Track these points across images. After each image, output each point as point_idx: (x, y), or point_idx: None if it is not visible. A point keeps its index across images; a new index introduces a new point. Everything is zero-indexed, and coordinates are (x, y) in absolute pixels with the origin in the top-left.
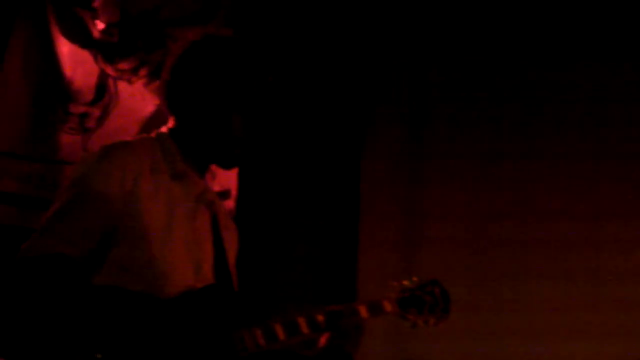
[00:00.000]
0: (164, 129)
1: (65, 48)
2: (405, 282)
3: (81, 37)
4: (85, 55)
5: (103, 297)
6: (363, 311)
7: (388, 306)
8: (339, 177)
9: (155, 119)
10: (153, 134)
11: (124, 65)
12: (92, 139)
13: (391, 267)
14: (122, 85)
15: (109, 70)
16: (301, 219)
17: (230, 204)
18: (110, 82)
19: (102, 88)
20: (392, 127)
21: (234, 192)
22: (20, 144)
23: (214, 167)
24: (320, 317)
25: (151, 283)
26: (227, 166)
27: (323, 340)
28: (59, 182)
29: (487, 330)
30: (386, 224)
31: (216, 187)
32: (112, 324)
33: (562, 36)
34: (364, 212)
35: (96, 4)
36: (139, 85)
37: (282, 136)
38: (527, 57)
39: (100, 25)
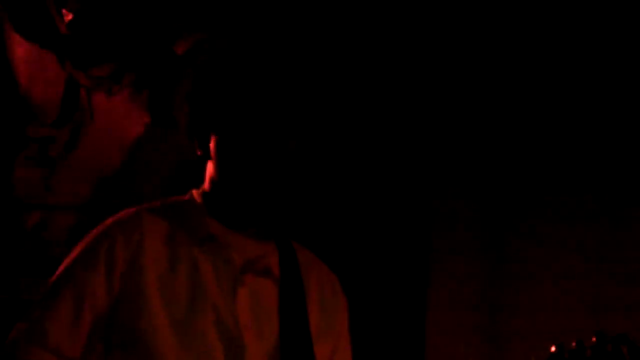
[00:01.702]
0: (201, 189)
1: (20, 49)
2: (561, 346)
3: (42, 34)
4: (47, 58)
5: None
6: None
7: None
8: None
9: (145, 144)
10: (185, 197)
11: (100, 71)
12: (58, 172)
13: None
14: (99, 99)
15: (81, 78)
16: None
17: None
18: (82, 94)
19: (70, 103)
20: None
21: None
22: None
23: None
24: None
25: None
26: (283, 209)
27: None
28: None
29: None
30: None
31: None
32: None
33: None
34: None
35: None
36: (121, 97)
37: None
38: None
39: (69, 16)
